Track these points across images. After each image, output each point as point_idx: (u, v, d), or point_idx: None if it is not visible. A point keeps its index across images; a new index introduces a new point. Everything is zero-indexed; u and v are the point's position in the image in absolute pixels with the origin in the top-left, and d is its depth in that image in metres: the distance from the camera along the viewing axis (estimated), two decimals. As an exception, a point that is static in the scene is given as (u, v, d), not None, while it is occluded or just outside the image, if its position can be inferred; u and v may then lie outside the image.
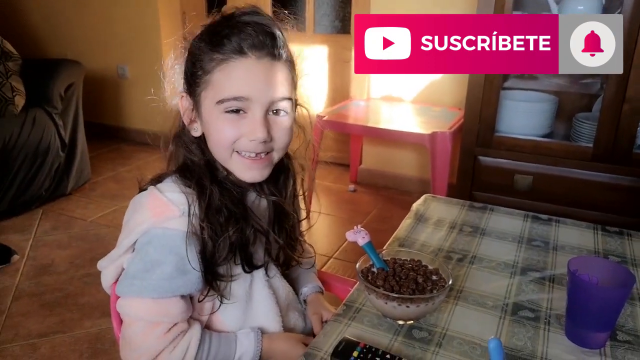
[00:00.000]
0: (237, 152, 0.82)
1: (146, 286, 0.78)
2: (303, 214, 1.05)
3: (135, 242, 0.81)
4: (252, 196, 0.91)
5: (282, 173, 0.94)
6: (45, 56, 3.69)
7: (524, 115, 2.03)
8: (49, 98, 2.70)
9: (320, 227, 2.63)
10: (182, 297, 0.81)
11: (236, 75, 0.78)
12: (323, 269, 2.10)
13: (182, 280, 0.79)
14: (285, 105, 0.82)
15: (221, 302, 0.85)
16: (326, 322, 0.94)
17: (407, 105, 2.82)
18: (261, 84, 0.79)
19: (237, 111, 0.79)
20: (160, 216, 0.79)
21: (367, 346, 0.72)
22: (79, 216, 2.66)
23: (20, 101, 2.59)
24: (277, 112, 0.82)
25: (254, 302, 0.90)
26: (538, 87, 2.17)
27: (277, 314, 0.91)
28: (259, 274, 0.90)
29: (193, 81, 0.82)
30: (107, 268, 0.87)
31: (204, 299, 0.84)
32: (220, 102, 0.79)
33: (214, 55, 0.79)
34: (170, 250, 0.79)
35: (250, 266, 0.86)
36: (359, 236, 0.87)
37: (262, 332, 0.89)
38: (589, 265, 0.79)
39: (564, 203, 1.92)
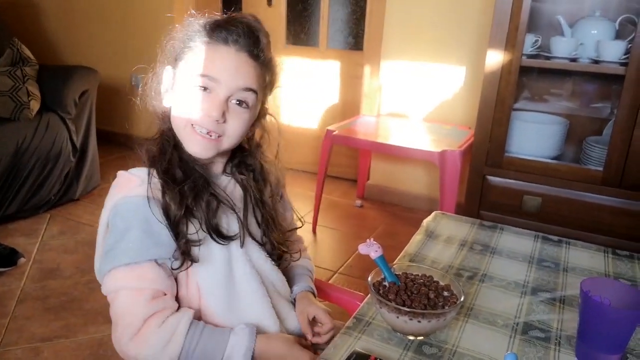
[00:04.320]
0: (192, 125, 0.87)
1: (117, 254, 0.82)
2: (297, 222, 1.10)
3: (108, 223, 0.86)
4: (224, 180, 0.95)
5: (251, 166, 0.99)
6: (62, 63, 3.73)
7: (534, 136, 2.03)
8: (64, 103, 2.72)
9: (325, 241, 2.63)
10: (158, 265, 0.83)
11: (213, 57, 0.86)
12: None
13: (152, 242, 0.82)
14: (247, 96, 0.88)
15: (192, 261, 0.85)
16: (314, 319, 0.97)
17: (417, 123, 2.83)
18: (231, 71, 0.86)
19: (205, 89, 0.86)
20: (123, 189, 0.85)
21: (378, 359, 0.72)
22: (86, 222, 2.67)
23: (35, 105, 2.63)
24: (239, 102, 0.87)
25: (236, 279, 0.91)
26: (549, 109, 2.17)
27: (265, 295, 0.93)
28: (234, 247, 0.91)
29: (179, 54, 0.90)
30: (96, 257, 0.89)
31: (179, 266, 0.84)
32: (192, 75, 0.86)
33: (204, 38, 0.87)
34: (134, 214, 0.82)
35: (218, 235, 0.88)
36: (372, 249, 0.87)
37: (258, 330, 0.89)
38: (602, 287, 0.78)
39: (573, 226, 1.91)
